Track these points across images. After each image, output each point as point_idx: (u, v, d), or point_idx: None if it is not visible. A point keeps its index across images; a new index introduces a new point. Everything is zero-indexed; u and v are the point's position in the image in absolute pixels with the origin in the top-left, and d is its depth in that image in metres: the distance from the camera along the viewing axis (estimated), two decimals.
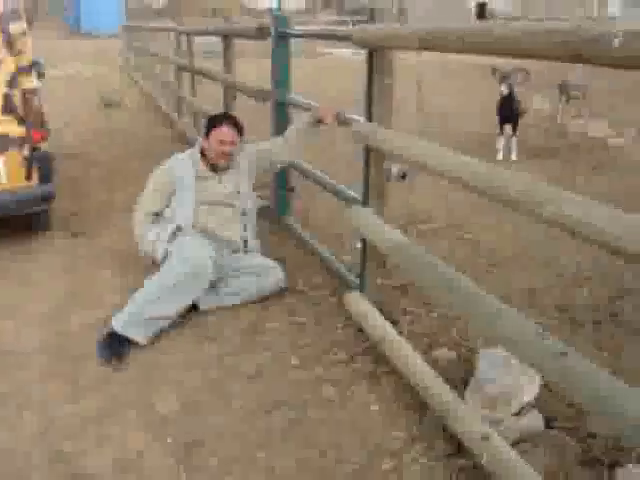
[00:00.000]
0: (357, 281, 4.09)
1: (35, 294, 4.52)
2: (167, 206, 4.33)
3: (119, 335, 3.73)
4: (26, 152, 5.21)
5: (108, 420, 3.12)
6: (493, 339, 2.75)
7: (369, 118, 3.72)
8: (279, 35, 5.31)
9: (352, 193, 4.21)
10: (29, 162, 5.23)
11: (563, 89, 10.17)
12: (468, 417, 2.73)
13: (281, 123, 5.43)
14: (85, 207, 6.41)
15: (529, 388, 2.85)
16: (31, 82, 5.21)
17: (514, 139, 8.46)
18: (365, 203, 3.86)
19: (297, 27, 5.53)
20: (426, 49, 3.03)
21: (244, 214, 4.44)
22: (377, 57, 3.62)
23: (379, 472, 2.75)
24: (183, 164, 4.36)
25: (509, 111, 8.30)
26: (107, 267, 4.96)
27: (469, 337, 3.68)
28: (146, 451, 2.90)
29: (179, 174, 4.30)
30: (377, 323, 3.57)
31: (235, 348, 3.76)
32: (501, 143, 8.48)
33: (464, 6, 38.13)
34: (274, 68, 5.43)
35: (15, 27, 5.11)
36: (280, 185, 5.67)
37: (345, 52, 29.41)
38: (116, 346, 3.70)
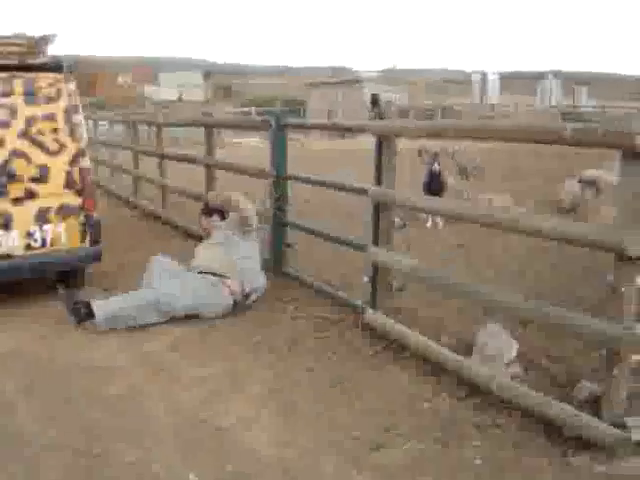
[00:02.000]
0: (364, 305, 5.60)
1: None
2: None
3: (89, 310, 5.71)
4: (82, 219, 6.54)
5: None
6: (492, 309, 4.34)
7: (379, 184, 5.32)
8: (279, 126, 6.88)
9: (359, 241, 5.78)
10: (84, 227, 6.56)
11: (462, 170, 12.28)
12: (478, 367, 4.29)
13: (279, 193, 6.96)
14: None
15: (512, 349, 4.46)
16: (86, 162, 6.58)
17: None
18: (376, 244, 5.43)
19: (293, 120, 7.14)
20: (429, 137, 4.70)
21: None
22: (385, 143, 5.24)
23: (421, 409, 4.24)
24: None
25: (437, 185, 10.05)
26: None
27: (461, 330, 5.24)
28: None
29: None
30: (395, 326, 5.11)
31: (286, 356, 5.20)
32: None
33: (361, 98, 41.09)
34: (274, 152, 6.96)
35: (76, 118, 6.52)
36: (278, 242, 7.15)
37: (253, 141, 31.33)
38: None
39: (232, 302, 6.05)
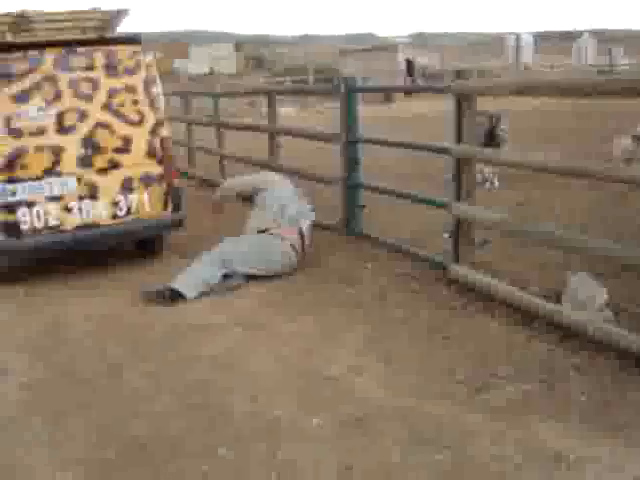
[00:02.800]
0: (445, 261, 5.79)
1: None
2: None
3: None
4: (164, 187, 6.78)
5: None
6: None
7: (459, 141, 5.49)
8: (350, 91, 7.04)
9: (440, 199, 5.96)
10: (166, 195, 6.80)
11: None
12: (571, 312, 4.49)
13: (353, 158, 7.14)
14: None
15: (602, 295, 4.65)
16: (166, 131, 6.81)
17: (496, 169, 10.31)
18: (458, 200, 5.60)
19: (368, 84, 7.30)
20: (513, 95, 4.84)
21: None
22: (465, 103, 5.38)
23: (519, 353, 4.44)
24: None
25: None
26: None
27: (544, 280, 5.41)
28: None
29: None
30: (481, 279, 5.30)
31: (375, 309, 5.44)
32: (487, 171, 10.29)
33: (393, 65, 40.93)
34: (345, 116, 7.13)
35: (155, 89, 6.74)
36: (350, 203, 7.34)
37: (288, 110, 31.50)
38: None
39: (294, 252, 6.32)
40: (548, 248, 5.41)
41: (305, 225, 6.45)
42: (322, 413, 3.91)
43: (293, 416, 3.90)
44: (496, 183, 10.22)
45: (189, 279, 5.94)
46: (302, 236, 6.39)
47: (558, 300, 4.87)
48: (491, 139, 10.22)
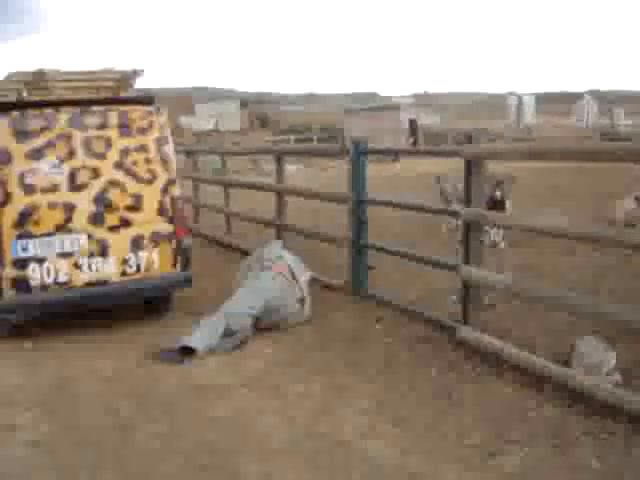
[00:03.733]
0: (455, 322, 5.80)
1: None
2: None
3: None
4: (174, 245, 6.83)
5: None
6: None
7: (468, 205, 5.55)
8: (358, 152, 7.14)
9: (449, 261, 6.00)
10: (176, 253, 6.85)
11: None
12: (581, 376, 4.49)
13: (360, 218, 7.20)
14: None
15: (611, 360, 4.65)
16: (177, 190, 6.88)
17: (501, 231, 10.37)
18: (467, 263, 5.64)
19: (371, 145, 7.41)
20: (522, 159, 4.91)
21: None
22: (475, 166, 5.46)
23: (530, 417, 4.43)
24: None
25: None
26: None
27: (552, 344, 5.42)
28: None
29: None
30: (491, 341, 5.31)
31: (384, 371, 5.44)
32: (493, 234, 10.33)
33: (397, 125, 41.43)
34: (354, 177, 7.21)
35: (167, 148, 6.83)
36: (356, 265, 7.37)
37: (290, 168, 31.74)
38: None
39: (285, 279, 6.60)
40: (556, 311, 5.42)
41: (302, 277, 6.54)
42: (335, 478, 3.89)
43: None
44: (502, 245, 10.27)
45: (197, 333, 6.05)
46: (293, 274, 6.57)
47: (567, 364, 4.87)
48: (494, 204, 10.29)
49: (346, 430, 4.45)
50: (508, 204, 11.21)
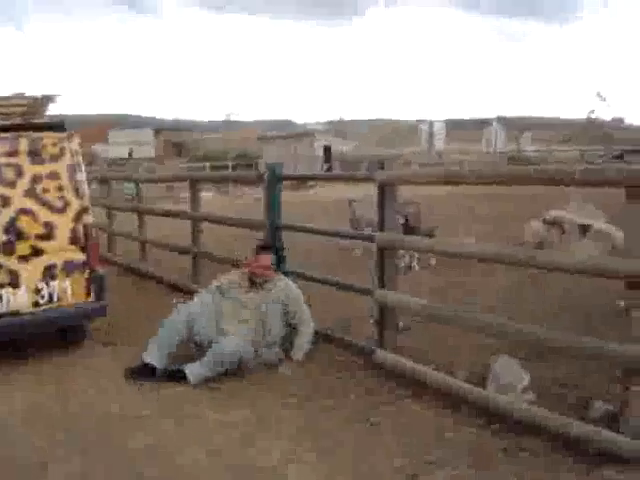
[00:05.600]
0: (372, 346, 5.85)
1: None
2: None
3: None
4: (87, 274, 6.69)
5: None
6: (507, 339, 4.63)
7: (382, 229, 5.63)
8: (274, 179, 7.16)
9: (364, 286, 6.06)
10: (89, 282, 6.71)
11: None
12: (496, 396, 4.59)
13: (276, 243, 7.20)
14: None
15: (525, 378, 4.77)
16: (90, 218, 6.76)
17: (415, 255, 10.53)
18: (382, 287, 5.70)
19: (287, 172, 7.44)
20: (433, 184, 5.02)
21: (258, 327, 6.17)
22: (388, 191, 5.55)
23: (448, 439, 4.49)
24: (239, 274, 6.54)
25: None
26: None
27: (467, 364, 5.52)
28: None
29: (231, 281, 6.48)
30: (407, 364, 5.38)
31: (303, 397, 5.44)
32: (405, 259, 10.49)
33: (311, 152, 41.78)
34: (269, 203, 7.23)
35: (79, 176, 6.71)
36: None
37: (206, 195, 31.61)
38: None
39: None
40: (471, 331, 5.52)
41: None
42: None
43: None
44: (416, 267, 10.44)
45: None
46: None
47: (483, 383, 4.97)
48: (406, 230, 10.46)
49: (268, 458, 4.42)
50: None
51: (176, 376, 5.77)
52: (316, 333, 6.32)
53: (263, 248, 6.64)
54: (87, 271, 6.69)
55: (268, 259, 6.46)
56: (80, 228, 6.67)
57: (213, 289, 6.41)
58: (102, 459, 4.54)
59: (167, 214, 10.02)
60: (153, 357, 5.91)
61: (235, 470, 4.30)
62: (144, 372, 5.89)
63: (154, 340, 6.01)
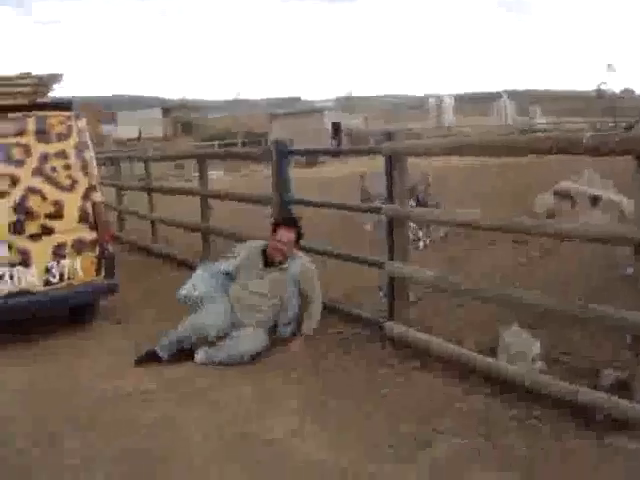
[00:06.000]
0: (382, 318, 5.86)
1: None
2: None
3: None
4: (97, 252, 6.72)
5: None
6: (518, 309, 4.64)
7: (391, 201, 5.62)
8: (281, 154, 7.14)
9: (375, 258, 6.06)
10: (99, 260, 6.74)
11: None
12: (507, 365, 4.60)
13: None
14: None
15: (535, 347, 4.77)
16: (99, 196, 6.78)
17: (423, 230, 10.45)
18: (392, 259, 5.70)
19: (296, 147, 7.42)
20: (441, 155, 4.99)
21: (272, 313, 5.95)
22: (397, 162, 5.53)
23: (458, 408, 4.51)
24: (254, 251, 6.11)
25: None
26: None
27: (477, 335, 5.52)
28: None
29: (248, 258, 6.08)
30: (417, 335, 5.38)
31: (313, 371, 5.47)
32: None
33: (321, 128, 41.68)
34: (277, 178, 7.21)
35: (87, 154, 6.73)
36: None
37: (216, 174, 31.56)
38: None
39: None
40: (481, 303, 5.52)
41: None
42: (268, 476, 3.89)
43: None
44: (427, 242, 10.41)
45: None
46: None
47: (493, 354, 4.97)
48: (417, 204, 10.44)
49: (275, 431, 4.44)
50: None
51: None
52: (325, 307, 6.29)
53: (285, 222, 6.12)
54: (97, 249, 6.72)
55: (292, 235, 6.00)
56: (89, 206, 6.70)
57: (221, 269, 6.14)
58: (110, 434, 4.58)
59: (176, 192, 10.03)
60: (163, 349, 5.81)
61: (241, 443, 4.33)
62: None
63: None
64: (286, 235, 5.97)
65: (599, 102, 60.30)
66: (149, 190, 11.02)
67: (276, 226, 6.05)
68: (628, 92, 75.78)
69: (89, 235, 6.69)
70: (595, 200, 11.01)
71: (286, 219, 6.27)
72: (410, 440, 4.16)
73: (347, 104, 77.85)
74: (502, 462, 3.84)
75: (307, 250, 6.93)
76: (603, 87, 63.24)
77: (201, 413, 4.82)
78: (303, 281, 6.02)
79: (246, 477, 3.92)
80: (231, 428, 4.55)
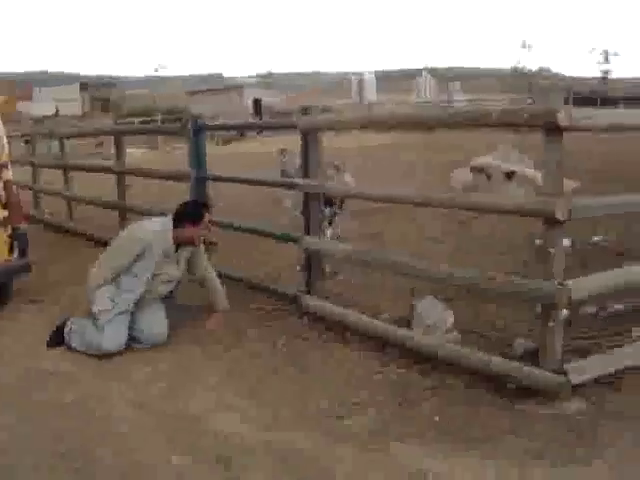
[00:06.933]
0: (299, 292, 5.88)
1: None
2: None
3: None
4: (9, 231, 6.54)
5: None
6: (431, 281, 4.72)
7: (307, 176, 5.63)
8: (197, 129, 7.07)
9: (292, 234, 6.07)
10: (11, 240, 6.56)
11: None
12: (421, 337, 4.68)
13: (201, 195, 7.14)
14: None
15: (449, 318, 4.87)
16: (10, 174, 6.59)
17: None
18: (307, 234, 5.72)
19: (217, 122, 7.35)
20: (362, 129, 5.02)
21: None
22: (311, 138, 5.54)
23: (374, 380, 4.57)
24: (157, 237, 5.43)
25: None
26: None
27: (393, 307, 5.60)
28: None
29: (152, 246, 5.39)
30: (334, 309, 5.43)
31: (232, 345, 5.46)
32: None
33: (241, 105, 41.37)
34: (194, 154, 7.15)
35: None
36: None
37: (136, 152, 31.02)
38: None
39: None
40: (397, 275, 5.59)
41: None
42: (184, 453, 3.88)
43: (155, 458, 3.85)
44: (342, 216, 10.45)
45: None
46: None
47: (409, 325, 5.05)
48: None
49: (195, 406, 4.43)
50: (348, 177, 11.41)
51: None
52: (246, 284, 6.26)
53: (208, 207, 5.97)
54: (9, 228, 6.54)
55: (209, 217, 5.82)
56: (0, 185, 6.50)
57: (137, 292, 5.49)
58: (24, 414, 4.49)
59: (92, 169, 9.84)
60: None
61: (161, 420, 4.29)
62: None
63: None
64: (207, 220, 5.74)
65: (516, 79, 61.57)
66: (64, 168, 10.76)
67: (203, 213, 5.69)
68: (544, 70, 77.32)
69: (0, 213, 6.49)
70: (510, 175, 11.27)
71: (207, 203, 6.23)
72: (329, 412, 4.21)
73: (268, 81, 77.38)
74: (418, 431, 3.92)
75: (226, 227, 6.92)
76: (519, 65, 64.58)
77: (121, 391, 4.76)
78: (197, 253, 5.86)
79: (163, 454, 3.89)
80: (151, 405, 4.52)
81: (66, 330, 5.58)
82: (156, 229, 5.51)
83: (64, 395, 4.75)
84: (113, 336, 5.31)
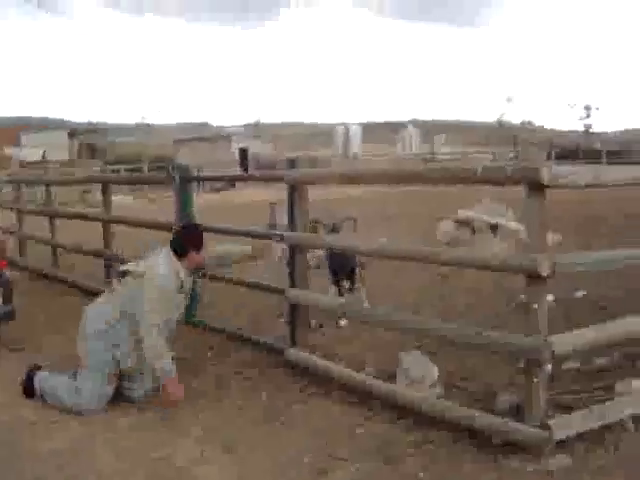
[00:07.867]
0: (284, 344, 5.87)
1: None
2: None
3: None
4: None
5: None
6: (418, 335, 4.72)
7: (293, 229, 5.66)
8: (184, 180, 7.11)
9: (277, 285, 6.08)
10: None
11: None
12: (405, 391, 4.67)
13: None
14: None
15: (433, 372, 4.87)
16: None
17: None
18: (294, 287, 5.73)
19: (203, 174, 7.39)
20: (341, 184, 5.09)
21: None
22: (298, 191, 5.58)
23: (358, 434, 4.54)
24: (172, 273, 5.18)
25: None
26: None
27: (377, 360, 5.59)
28: None
29: (174, 284, 5.20)
30: (318, 362, 5.42)
31: (215, 398, 5.43)
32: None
33: (228, 154, 41.60)
34: (180, 204, 7.16)
35: None
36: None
37: (122, 199, 30.98)
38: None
39: None
40: (381, 328, 5.60)
41: None
42: None
43: None
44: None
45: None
46: None
47: (390, 379, 5.04)
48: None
49: (178, 459, 4.39)
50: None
51: None
52: (229, 334, 6.22)
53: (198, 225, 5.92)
54: None
55: None
56: None
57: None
58: (13, 461, 4.45)
59: (79, 217, 9.83)
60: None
61: (144, 471, 4.25)
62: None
63: None
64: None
65: (500, 132, 62.38)
66: (50, 215, 10.76)
67: (202, 234, 5.55)
68: (526, 123, 78.28)
69: None
70: (494, 228, 11.36)
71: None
72: (311, 467, 4.17)
73: (255, 131, 77.93)
74: None
75: (211, 278, 6.91)
76: (502, 119, 65.46)
77: (103, 441, 4.71)
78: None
79: None
80: (134, 455, 4.47)
81: (36, 384, 5.46)
82: (164, 263, 5.18)
83: (44, 445, 4.68)
84: None
